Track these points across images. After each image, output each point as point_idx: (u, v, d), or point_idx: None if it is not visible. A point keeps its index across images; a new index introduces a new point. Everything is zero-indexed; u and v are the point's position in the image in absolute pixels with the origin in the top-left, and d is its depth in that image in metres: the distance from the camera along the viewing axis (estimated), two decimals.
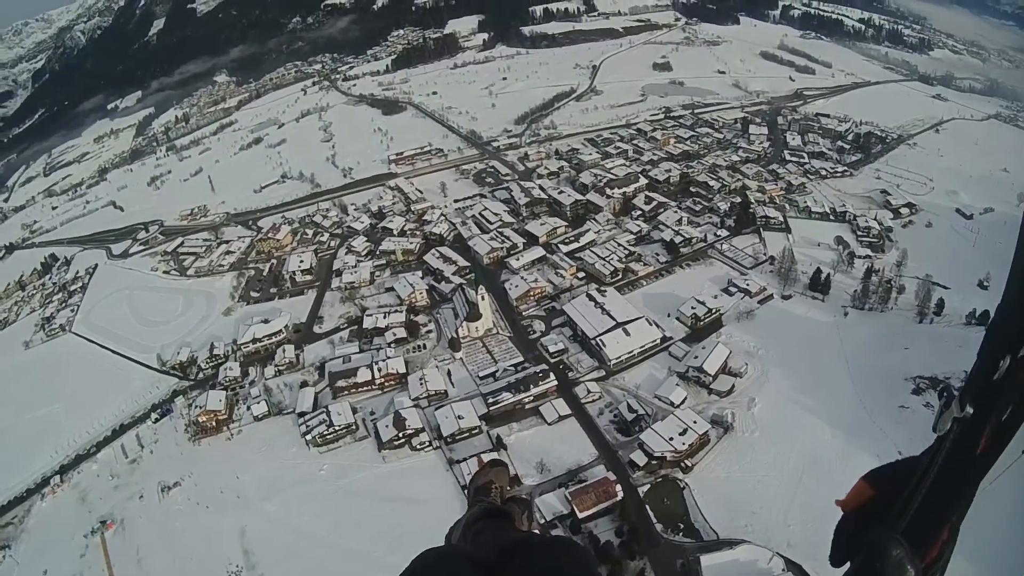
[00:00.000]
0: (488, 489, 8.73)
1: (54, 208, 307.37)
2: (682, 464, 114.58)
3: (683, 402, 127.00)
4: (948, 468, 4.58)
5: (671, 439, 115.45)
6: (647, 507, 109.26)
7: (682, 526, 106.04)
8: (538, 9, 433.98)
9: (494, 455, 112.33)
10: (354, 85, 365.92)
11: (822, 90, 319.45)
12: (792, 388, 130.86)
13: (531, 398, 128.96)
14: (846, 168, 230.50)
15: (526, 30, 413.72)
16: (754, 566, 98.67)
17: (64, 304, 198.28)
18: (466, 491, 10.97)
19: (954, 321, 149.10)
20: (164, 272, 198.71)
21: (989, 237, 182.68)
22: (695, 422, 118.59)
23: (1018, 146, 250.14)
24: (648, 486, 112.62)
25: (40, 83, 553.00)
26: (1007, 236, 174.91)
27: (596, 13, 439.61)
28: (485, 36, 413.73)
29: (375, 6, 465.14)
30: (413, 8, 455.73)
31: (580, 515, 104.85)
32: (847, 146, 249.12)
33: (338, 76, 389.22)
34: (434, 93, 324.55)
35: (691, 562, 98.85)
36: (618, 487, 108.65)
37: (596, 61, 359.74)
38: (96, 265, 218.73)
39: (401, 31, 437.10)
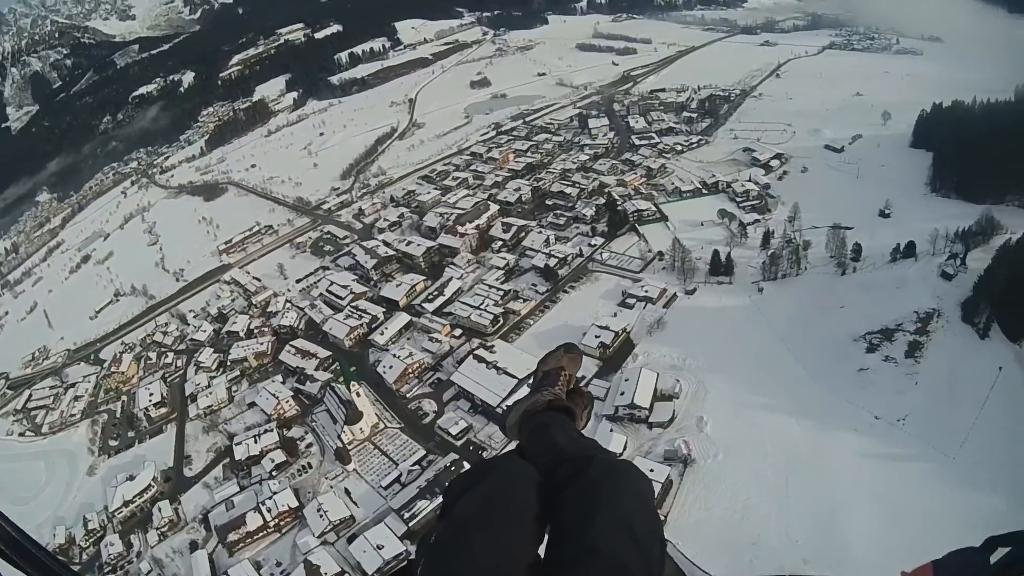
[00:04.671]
0: (557, 377, 7.64)
1: None
2: None
3: (625, 448, 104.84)
4: None
5: None
6: None
7: None
8: (343, 55, 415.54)
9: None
10: (172, 176, 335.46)
11: (649, 66, 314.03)
12: (737, 391, 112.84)
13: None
14: (700, 137, 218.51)
15: (334, 79, 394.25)
16: None
17: None
18: (532, 374, 8.40)
19: (878, 262, 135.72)
20: (20, 435, 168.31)
21: (869, 163, 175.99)
22: (651, 470, 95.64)
23: (862, 68, 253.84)
24: None
25: None
26: (887, 157, 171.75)
27: (402, 46, 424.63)
28: (295, 95, 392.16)
29: (181, 89, 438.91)
30: (219, 82, 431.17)
31: None
32: (693, 114, 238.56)
33: (155, 170, 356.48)
34: (253, 166, 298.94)
35: None
36: None
37: (411, 94, 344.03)
38: None
39: (210, 108, 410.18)
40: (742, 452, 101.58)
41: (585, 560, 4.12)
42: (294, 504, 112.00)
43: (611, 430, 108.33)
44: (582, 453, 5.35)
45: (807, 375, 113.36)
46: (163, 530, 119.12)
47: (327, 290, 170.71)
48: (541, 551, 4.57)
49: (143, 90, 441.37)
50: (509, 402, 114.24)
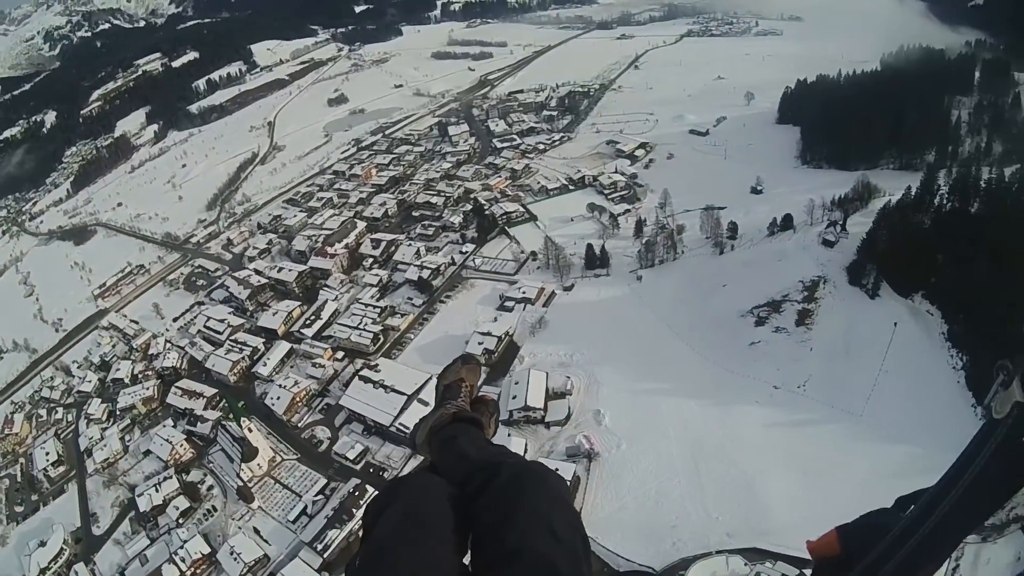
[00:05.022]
0: (458, 389, 7.62)
1: None
2: None
3: (526, 451, 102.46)
4: (982, 480, 3.66)
5: None
6: None
7: None
8: (201, 83, 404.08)
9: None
10: (41, 222, 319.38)
11: (506, 69, 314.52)
12: (630, 380, 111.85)
13: (359, 523, 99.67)
14: (562, 134, 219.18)
15: (193, 108, 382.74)
16: None
17: None
18: (435, 388, 8.03)
19: (756, 238, 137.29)
20: None
21: (736, 143, 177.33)
22: (556, 469, 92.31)
23: (722, 52, 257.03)
24: None
25: None
26: (753, 136, 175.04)
27: (259, 69, 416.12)
28: (155, 127, 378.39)
29: (44, 129, 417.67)
30: (80, 120, 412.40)
31: None
32: (553, 112, 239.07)
33: (24, 217, 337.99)
34: (120, 205, 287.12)
35: None
36: None
37: (270, 117, 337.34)
38: None
39: (74, 148, 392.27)
40: (645, 439, 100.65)
41: (511, 562, 4.14)
42: (206, 550, 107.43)
43: (509, 435, 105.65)
44: (492, 460, 5.40)
45: (698, 356, 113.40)
46: None
47: (205, 326, 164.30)
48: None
49: (7, 133, 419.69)
50: (402, 420, 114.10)
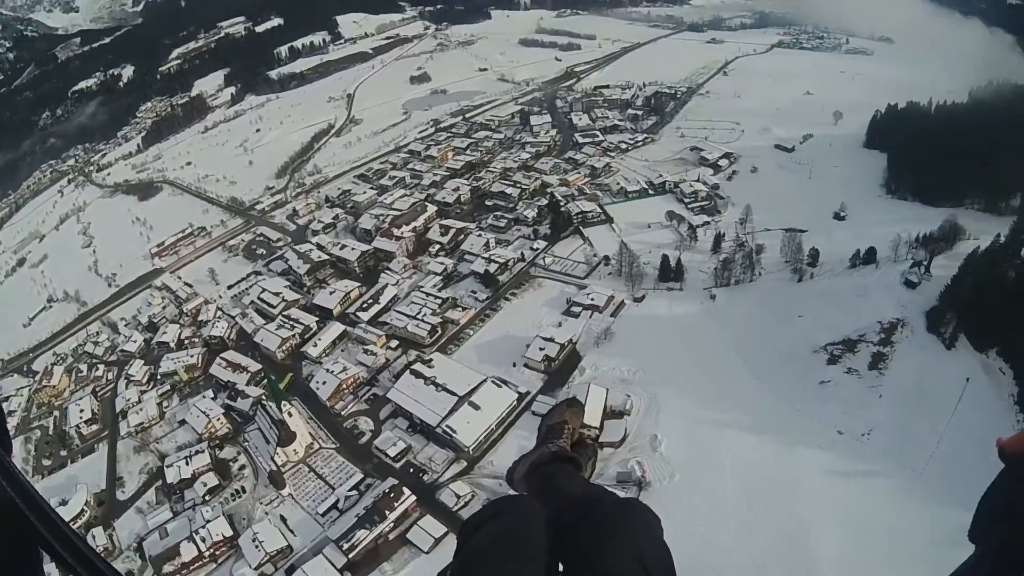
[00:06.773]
0: (561, 431, 7.50)
1: None
2: None
3: None
4: None
5: None
6: None
7: None
8: (283, 49, 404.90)
9: None
10: (108, 174, 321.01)
11: (593, 63, 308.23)
12: (692, 406, 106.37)
13: (391, 525, 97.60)
14: (646, 135, 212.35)
15: (273, 74, 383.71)
16: None
17: None
18: (538, 428, 7.84)
19: (836, 268, 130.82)
20: None
21: (821, 164, 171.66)
22: None
23: (811, 67, 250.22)
24: None
25: None
26: (839, 158, 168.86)
27: (343, 40, 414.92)
28: (233, 90, 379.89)
29: (120, 83, 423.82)
30: (158, 77, 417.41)
31: None
32: (639, 112, 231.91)
33: (92, 167, 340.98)
34: (188, 164, 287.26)
35: None
36: None
37: (350, 89, 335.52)
38: None
39: (149, 103, 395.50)
40: (700, 473, 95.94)
41: None
42: (229, 533, 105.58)
43: None
44: (592, 495, 5.49)
45: (765, 389, 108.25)
46: None
47: (259, 297, 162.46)
48: None
49: (83, 85, 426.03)
50: (449, 422, 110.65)
